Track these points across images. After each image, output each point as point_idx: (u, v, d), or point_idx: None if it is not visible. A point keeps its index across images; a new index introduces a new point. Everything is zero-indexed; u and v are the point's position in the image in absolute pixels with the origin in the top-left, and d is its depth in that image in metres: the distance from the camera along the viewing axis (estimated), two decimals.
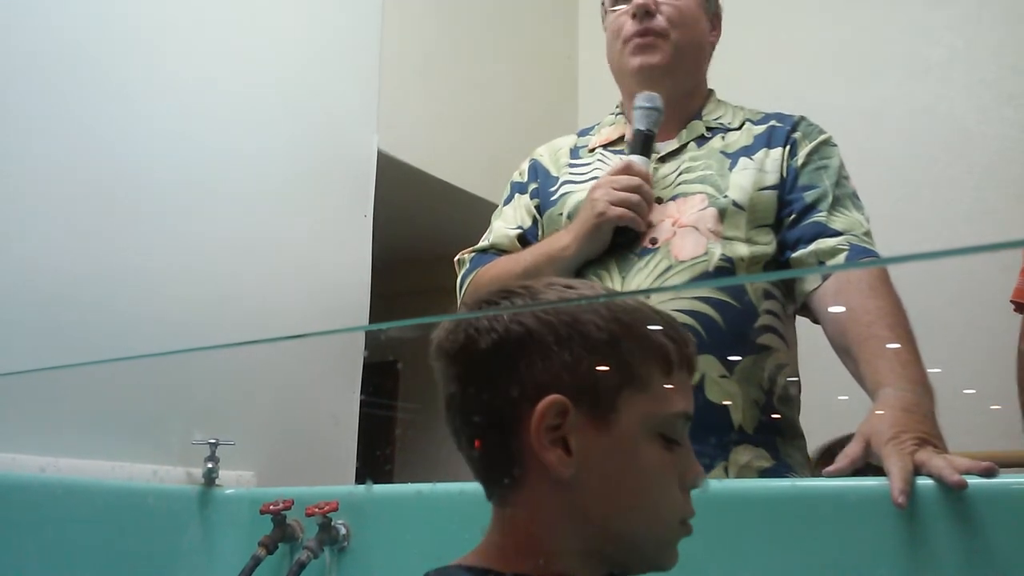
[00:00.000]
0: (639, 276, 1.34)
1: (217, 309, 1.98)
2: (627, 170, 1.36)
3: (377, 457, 2.41)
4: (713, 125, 1.47)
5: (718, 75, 1.56)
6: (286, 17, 2.30)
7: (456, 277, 1.55)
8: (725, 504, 1.08)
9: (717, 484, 1.12)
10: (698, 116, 1.48)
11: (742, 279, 1.41)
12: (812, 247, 1.32)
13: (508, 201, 1.58)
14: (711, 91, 1.53)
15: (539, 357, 0.69)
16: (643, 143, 1.40)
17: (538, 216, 1.51)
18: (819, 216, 1.34)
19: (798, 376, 1.37)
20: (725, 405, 1.28)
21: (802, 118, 1.46)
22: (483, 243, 1.55)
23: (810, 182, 1.38)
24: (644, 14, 1.42)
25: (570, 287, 0.76)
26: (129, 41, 1.92)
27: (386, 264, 2.49)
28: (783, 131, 1.43)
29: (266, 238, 2.14)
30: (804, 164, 1.39)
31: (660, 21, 1.43)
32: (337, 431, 2.25)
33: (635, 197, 1.33)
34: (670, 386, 0.72)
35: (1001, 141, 2.60)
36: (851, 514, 1.01)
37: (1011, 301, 1.69)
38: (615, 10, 1.48)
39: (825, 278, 1.30)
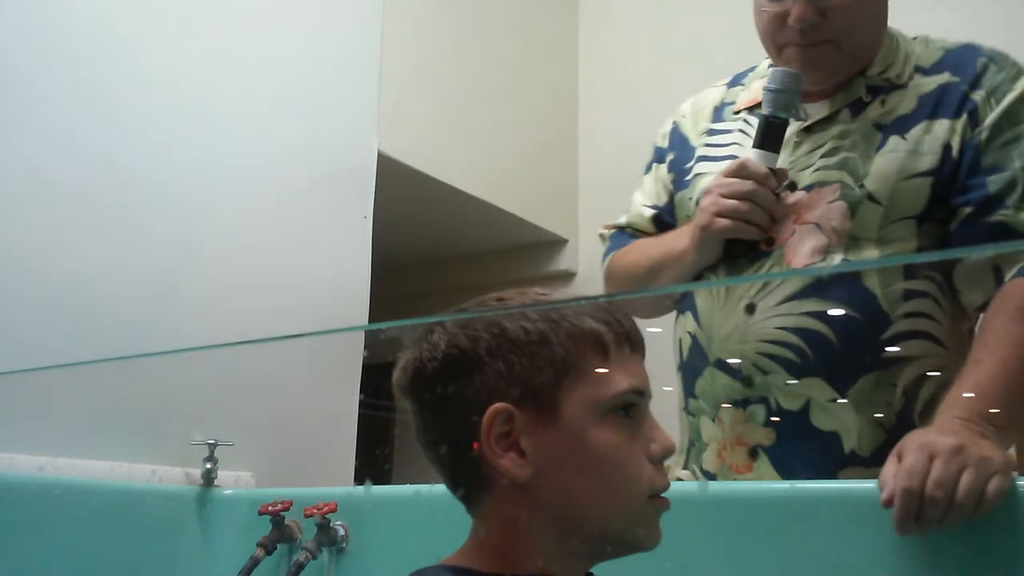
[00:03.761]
0: (745, 285, 1.20)
1: (216, 309, 1.98)
2: (740, 172, 1.18)
3: (376, 458, 2.41)
4: (876, 83, 1.21)
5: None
6: (286, 20, 2.29)
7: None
8: (723, 507, 1.08)
9: (716, 486, 1.12)
10: (863, 72, 1.22)
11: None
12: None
13: (648, 168, 1.42)
14: (888, 32, 1.27)
15: (476, 372, 0.72)
16: (765, 133, 1.19)
17: (674, 192, 1.36)
18: (1004, 214, 1.09)
19: None
20: (833, 432, 1.12)
21: (988, 62, 1.17)
22: (622, 218, 1.43)
23: (995, 163, 1.11)
24: (809, 27, 1.17)
25: (501, 300, 0.79)
26: (128, 45, 1.92)
27: (386, 266, 2.49)
28: (958, 91, 1.16)
29: (266, 239, 2.14)
30: (989, 139, 1.12)
31: (826, 30, 1.18)
32: (336, 432, 2.24)
33: (744, 206, 1.16)
34: (611, 367, 0.73)
35: None
36: (850, 516, 1.01)
37: None
38: (765, 9, 1.22)
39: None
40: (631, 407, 0.74)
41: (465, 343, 0.73)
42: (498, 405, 0.71)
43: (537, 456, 0.71)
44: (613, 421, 0.72)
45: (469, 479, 0.75)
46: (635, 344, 0.76)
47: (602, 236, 1.48)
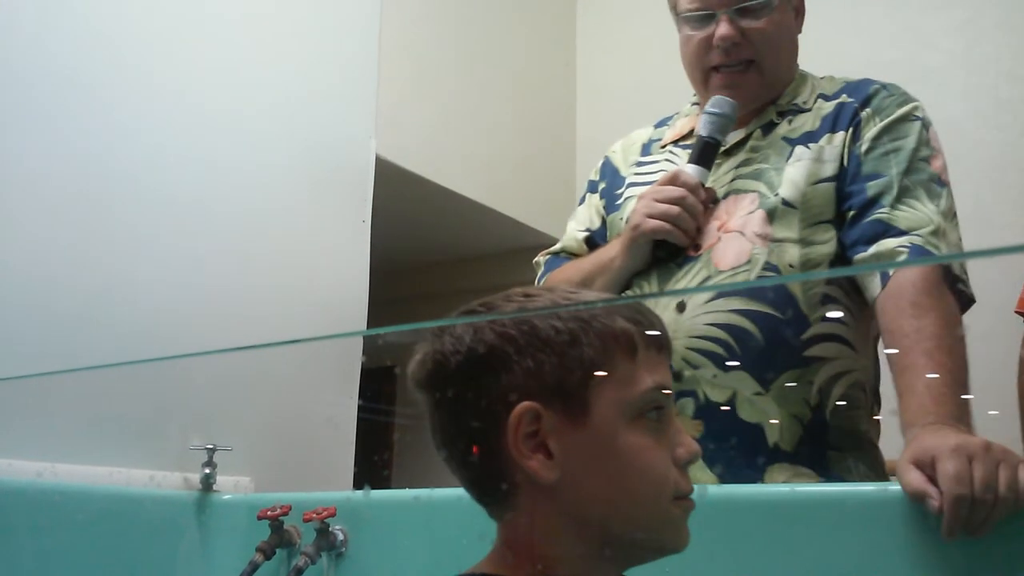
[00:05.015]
0: (677, 287, 1.27)
1: (215, 314, 1.98)
2: (673, 180, 1.27)
3: (375, 462, 2.41)
4: (786, 108, 1.33)
5: None
6: (284, 24, 2.30)
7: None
8: (722, 509, 1.07)
9: (715, 489, 1.12)
10: (775, 101, 1.34)
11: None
12: (872, 250, 1.18)
13: (582, 200, 1.51)
14: (798, 69, 1.39)
15: (503, 370, 0.70)
16: (702, 151, 1.29)
17: (606, 216, 1.44)
18: (881, 212, 1.19)
19: (872, 381, 1.27)
20: (757, 424, 1.19)
21: (880, 88, 1.30)
22: (556, 246, 1.51)
23: (874, 170, 1.22)
24: (731, 47, 1.28)
25: (528, 296, 0.77)
26: (125, 50, 1.92)
27: (384, 269, 2.49)
28: (851, 109, 1.28)
29: (264, 243, 2.14)
30: (870, 149, 1.24)
31: (747, 50, 1.29)
32: (335, 436, 2.24)
33: (675, 210, 1.24)
34: (639, 368, 0.72)
35: (999, 147, 2.61)
36: (849, 518, 1.01)
37: (1016, 312, 1.68)
38: (691, 35, 1.32)
39: (884, 284, 1.16)
40: (659, 410, 0.73)
41: (492, 338, 0.71)
42: (526, 404, 0.69)
43: (565, 458, 0.69)
44: (642, 424, 0.71)
45: (491, 481, 0.72)
46: (662, 345, 0.75)
47: (537, 264, 1.53)
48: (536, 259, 1.54)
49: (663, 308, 1.25)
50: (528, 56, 3.26)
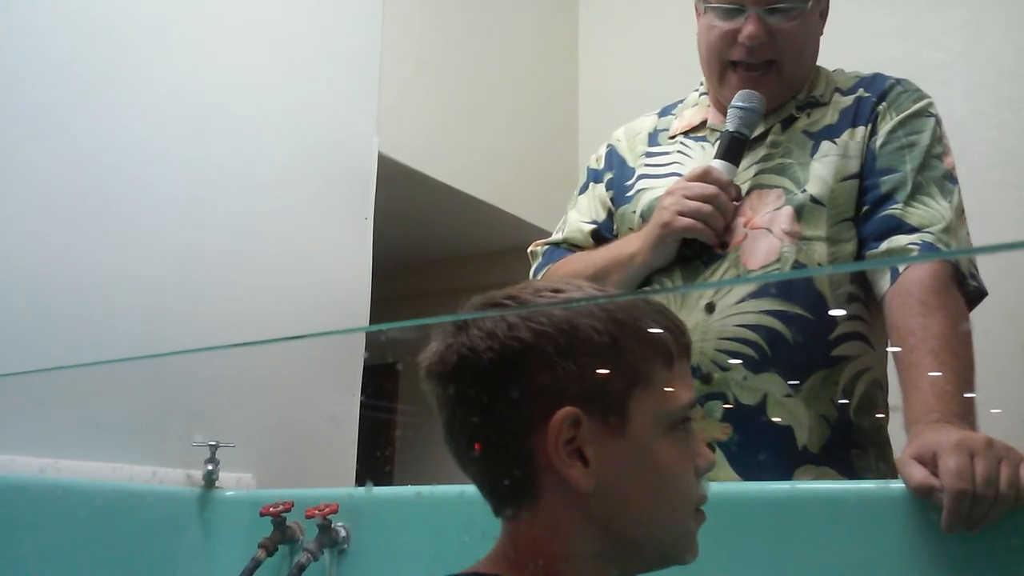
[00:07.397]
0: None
1: (218, 311, 1.99)
2: (704, 177, 1.24)
3: (377, 459, 2.41)
4: (804, 102, 1.32)
5: None
6: (286, 21, 2.30)
7: (530, 268, 1.50)
8: (722, 507, 1.08)
9: (715, 486, 1.12)
10: (794, 96, 1.32)
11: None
12: (884, 246, 1.18)
13: (584, 189, 1.47)
14: (818, 68, 1.37)
15: (543, 370, 0.67)
16: (729, 146, 1.26)
17: (613, 209, 1.41)
18: (894, 208, 1.19)
19: (886, 377, 1.26)
20: (788, 426, 1.18)
21: (895, 83, 1.30)
22: (556, 235, 1.47)
23: (889, 165, 1.22)
24: (757, 46, 1.26)
25: (557, 291, 0.74)
26: (127, 49, 1.92)
27: (386, 267, 2.49)
28: (869, 103, 1.28)
29: (267, 240, 2.14)
30: (885, 143, 1.24)
31: (771, 51, 1.27)
32: (337, 433, 2.25)
33: (706, 208, 1.22)
34: (674, 378, 0.70)
35: (1000, 145, 2.61)
36: (850, 515, 1.01)
37: None
38: (716, 26, 1.29)
39: (894, 281, 1.16)
40: (687, 421, 0.71)
41: (529, 336, 0.67)
42: (568, 409, 0.66)
43: (600, 466, 0.67)
44: (675, 436, 0.70)
45: (516, 485, 0.69)
46: (690, 355, 0.74)
47: (533, 254, 1.49)
48: (532, 248, 1.50)
49: (691, 309, 1.23)
50: (530, 53, 3.25)
